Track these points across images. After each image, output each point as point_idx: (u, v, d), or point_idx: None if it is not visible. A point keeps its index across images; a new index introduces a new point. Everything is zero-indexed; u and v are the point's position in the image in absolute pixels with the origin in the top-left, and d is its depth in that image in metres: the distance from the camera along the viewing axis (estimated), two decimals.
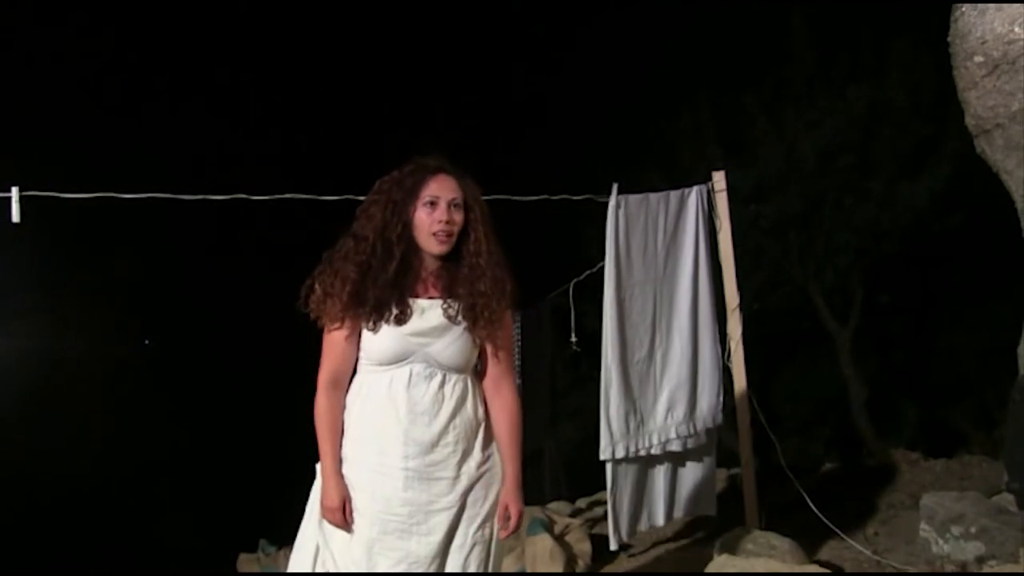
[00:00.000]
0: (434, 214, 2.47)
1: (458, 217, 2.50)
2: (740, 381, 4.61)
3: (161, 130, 12.76)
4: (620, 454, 4.20)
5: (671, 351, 4.39)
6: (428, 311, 2.49)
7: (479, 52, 12.58)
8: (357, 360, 2.55)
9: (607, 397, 4.14)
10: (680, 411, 4.39)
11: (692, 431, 4.43)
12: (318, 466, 2.54)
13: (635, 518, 4.31)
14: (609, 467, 4.19)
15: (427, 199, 2.48)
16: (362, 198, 3.23)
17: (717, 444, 4.69)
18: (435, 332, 2.48)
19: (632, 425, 4.22)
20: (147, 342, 14.47)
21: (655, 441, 4.30)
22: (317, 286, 2.50)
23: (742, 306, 4.61)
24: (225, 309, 13.07)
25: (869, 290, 8.30)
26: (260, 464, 10.81)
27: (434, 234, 2.46)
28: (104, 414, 11.57)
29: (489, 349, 2.59)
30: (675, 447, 4.39)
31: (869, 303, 8.33)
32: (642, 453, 4.28)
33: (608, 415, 4.15)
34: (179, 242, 12.33)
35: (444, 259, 2.54)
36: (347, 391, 2.55)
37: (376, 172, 2.67)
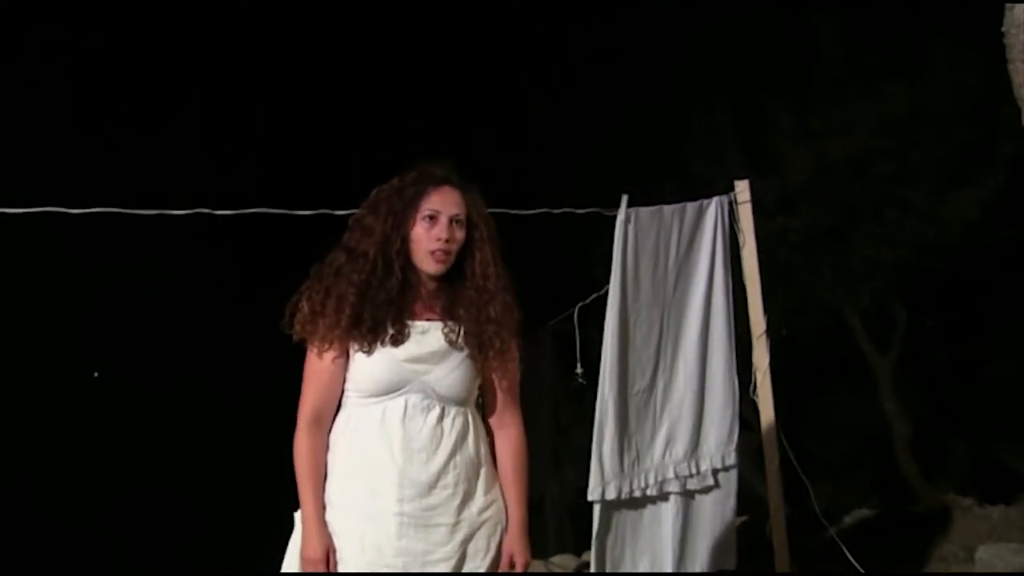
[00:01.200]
0: (433, 230, 2.48)
1: (459, 235, 2.50)
2: (768, 417, 4.60)
3: (120, 140, 12.79)
4: (611, 495, 4.17)
5: (674, 381, 4.38)
6: (427, 334, 2.50)
7: (473, 52, 12.64)
8: (342, 394, 2.54)
9: (601, 432, 4.13)
10: (680, 448, 4.37)
11: (694, 471, 4.40)
12: (297, 515, 2.51)
13: (622, 566, 4.28)
14: (597, 508, 4.18)
15: (427, 212, 2.49)
16: (339, 213, 3.26)
17: (738, 487, 4.67)
18: (434, 358, 2.48)
19: (626, 463, 4.21)
20: (95, 374, 14.41)
21: (651, 481, 4.28)
22: (304, 304, 2.49)
23: (769, 332, 4.61)
24: (184, 337, 13.03)
25: (912, 313, 8.31)
26: (229, 513, 10.76)
27: (431, 252, 2.47)
28: (49, 454, 11.53)
29: (495, 380, 2.60)
30: (673, 488, 4.36)
31: (912, 328, 8.34)
32: (636, 494, 4.26)
33: (601, 451, 4.13)
34: (132, 263, 12.31)
35: (441, 279, 2.54)
36: (331, 428, 2.53)
37: (356, 182, 2.69)
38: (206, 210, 3.61)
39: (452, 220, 2.49)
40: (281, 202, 3.84)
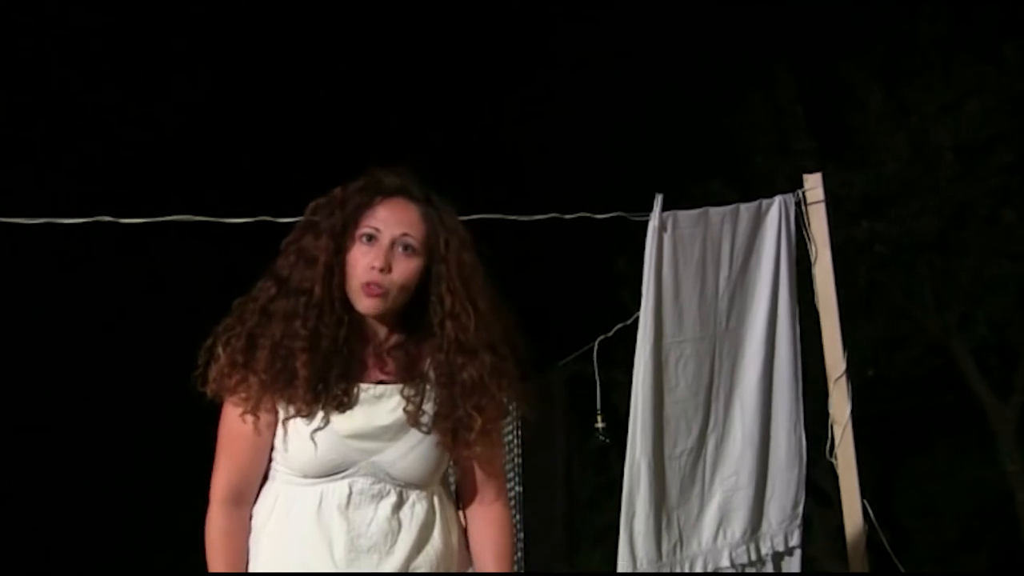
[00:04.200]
0: (368, 255, 2.39)
1: (407, 265, 2.40)
2: (850, 485, 4.57)
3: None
4: None
5: (728, 438, 4.34)
6: (379, 402, 2.43)
7: (471, 24, 12.76)
8: (269, 461, 2.48)
9: (631, 506, 4.09)
10: (738, 527, 4.33)
11: (754, 556, 4.38)
12: None
13: None
14: None
15: (365, 231, 2.40)
16: (284, 220, 3.25)
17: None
18: (386, 434, 2.42)
19: (666, 547, 4.18)
20: None
21: (698, 569, 4.26)
22: (221, 352, 2.41)
23: (850, 373, 4.61)
24: (62, 382, 13.14)
25: None
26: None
27: (363, 284, 2.37)
28: None
29: (473, 463, 2.53)
30: None
31: None
32: None
33: (631, 531, 4.10)
34: (15, 280, 12.42)
35: (400, 329, 2.47)
36: (254, 503, 2.48)
37: (311, 183, 2.67)
38: (108, 218, 3.61)
39: (396, 243, 2.39)
40: (209, 208, 3.85)
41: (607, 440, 4.79)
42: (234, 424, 2.41)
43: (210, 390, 2.40)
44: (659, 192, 4.22)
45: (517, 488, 5.10)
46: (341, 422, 2.38)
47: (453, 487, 2.64)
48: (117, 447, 12.88)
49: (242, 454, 2.44)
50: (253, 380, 2.36)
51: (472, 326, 2.42)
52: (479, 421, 2.40)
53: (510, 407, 2.59)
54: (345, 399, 2.38)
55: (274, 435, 2.42)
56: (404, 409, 2.40)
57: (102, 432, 13.00)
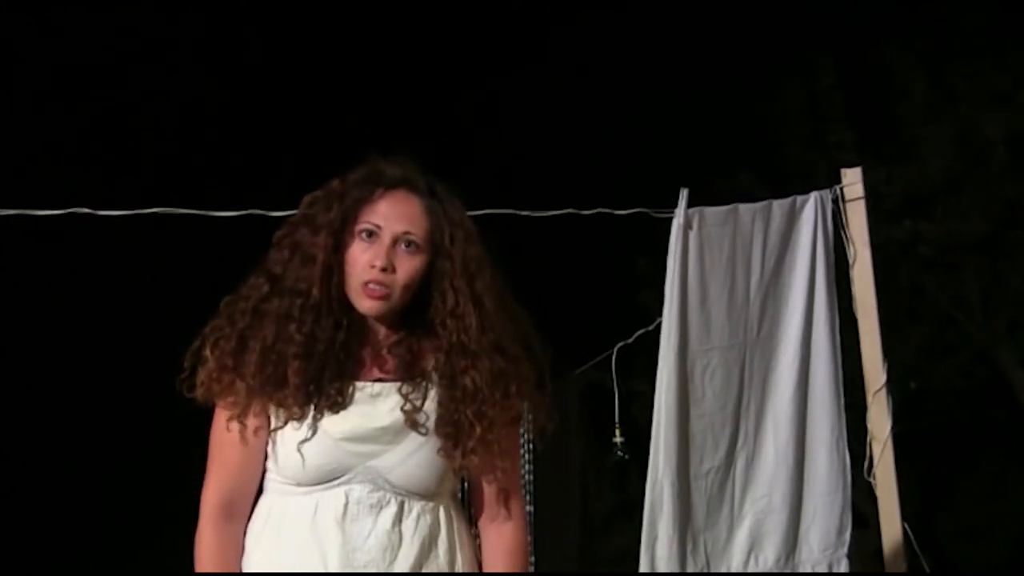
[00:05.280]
0: (368, 252, 2.41)
1: (410, 264, 2.40)
2: (889, 505, 4.56)
3: None
4: None
5: (760, 455, 4.33)
6: (377, 401, 2.43)
7: (484, 7, 12.82)
8: (263, 472, 2.49)
9: (653, 528, 4.07)
10: (771, 551, 4.32)
11: None
12: None
13: None
14: None
15: (364, 226, 2.41)
16: (275, 214, 3.24)
17: None
18: (384, 436, 2.41)
19: (692, 570, 4.18)
20: None
21: None
22: (209, 355, 2.44)
23: (891, 385, 4.60)
24: (35, 383, 13.23)
25: None
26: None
27: (364, 284, 2.38)
28: None
29: (480, 476, 2.52)
30: None
31: None
32: None
33: (653, 555, 4.08)
34: None
35: (401, 326, 2.46)
36: (249, 517, 2.50)
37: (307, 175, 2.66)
38: (85, 210, 3.62)
39: (398, 240, 2.39)
40: (194, 200, 3.85)
41: (626, 456, 4.77)
42: (224, 429, 2.43)
43: (199, 395, 2.40)
44: (684, 186, 4.21)
45: (527, 507, 5.08)
46: (334, 424, 2.38)
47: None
48: (95, 448, 13.03)
49: (233, 461, 2.44)
50: (241, 385, 2.37)
51: (475, 326, 2.42)
52: (479, 429, 2.39)
53: (525, 411, 2.57)
54: (339, 399, 2.39)
55: (266, 441, 2.43)
56: (402, 408, 2.40)
57: (79, 432, 13.17)
